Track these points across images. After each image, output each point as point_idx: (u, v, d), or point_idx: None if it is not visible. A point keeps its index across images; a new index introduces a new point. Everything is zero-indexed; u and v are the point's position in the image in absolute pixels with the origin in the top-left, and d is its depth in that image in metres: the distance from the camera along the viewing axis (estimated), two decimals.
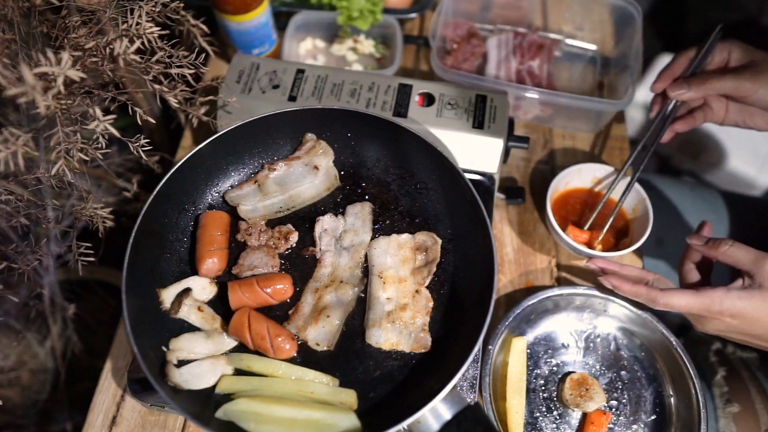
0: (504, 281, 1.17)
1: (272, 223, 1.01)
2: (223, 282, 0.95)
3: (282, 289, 0.92)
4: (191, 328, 0.90)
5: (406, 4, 1.44)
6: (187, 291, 0.91)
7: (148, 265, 0.91)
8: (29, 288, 1.22)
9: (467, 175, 0.95)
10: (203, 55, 0.94)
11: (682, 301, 0.89)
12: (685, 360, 1.02)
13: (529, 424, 1.01)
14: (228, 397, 0.83)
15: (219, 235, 0.96)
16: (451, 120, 1.10)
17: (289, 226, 1.00)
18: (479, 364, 1.00)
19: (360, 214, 1.01)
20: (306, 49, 1.43)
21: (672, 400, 1.04)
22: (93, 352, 1.41)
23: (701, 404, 0.98)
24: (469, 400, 0.78)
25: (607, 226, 1.11)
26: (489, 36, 1.42)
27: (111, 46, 0.78)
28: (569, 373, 1.04)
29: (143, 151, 0.90)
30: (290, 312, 0.92)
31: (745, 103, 1.04)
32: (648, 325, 1.07)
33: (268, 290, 0.90)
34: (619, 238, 1.17)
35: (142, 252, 0.88)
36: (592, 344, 1.09)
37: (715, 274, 0.99)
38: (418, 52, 1.47)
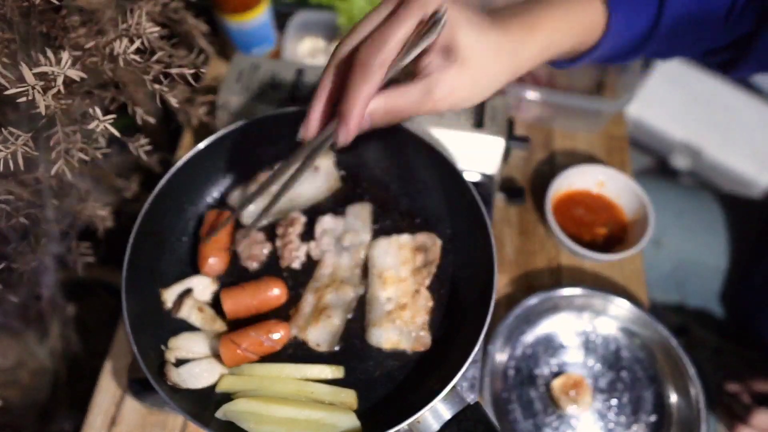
0: (504, 281, 1.17)
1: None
2: (224, 282, 0.95)
3: (277, 330, 0.87)
4: (191, 328, 0.90)
5: None
6: (188, 291, 0.91)
7: (148, 265, 0.91)
8: (29, 288, 1.22)
9: (467, 175, 0.95)
10: (203, 55, 0.94)
11: None
12: (685, 360, 1.02)
13: (530, 424, 1.01)
14: (228, 397, 0.83)
15: (222, 235, 0.96)
16: (451, 120, 1.10)
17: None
18: (479, 364, 1.00)
19: (360, 214, 1.01)
20: (306, 49, 1.42)
21: (672, 400, 1.04)
22: (93, 352, 1.40)
23: (701, 404, 0.98)
24: (469, 400, 0.78)
25: None
26: None
27: (111, 46, 0.78)
28: (559, 373, 1.05)
29: (143, 151, 0.90)
30: (291, 312, 0.92)
31: None
32: (648, 326, 1.07)
33: (264, 338, 0.85)
34: (618, 240, 1.17)
35: (142, 252, 0.88)
36: (592, 344, 1.09)
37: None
38: None
